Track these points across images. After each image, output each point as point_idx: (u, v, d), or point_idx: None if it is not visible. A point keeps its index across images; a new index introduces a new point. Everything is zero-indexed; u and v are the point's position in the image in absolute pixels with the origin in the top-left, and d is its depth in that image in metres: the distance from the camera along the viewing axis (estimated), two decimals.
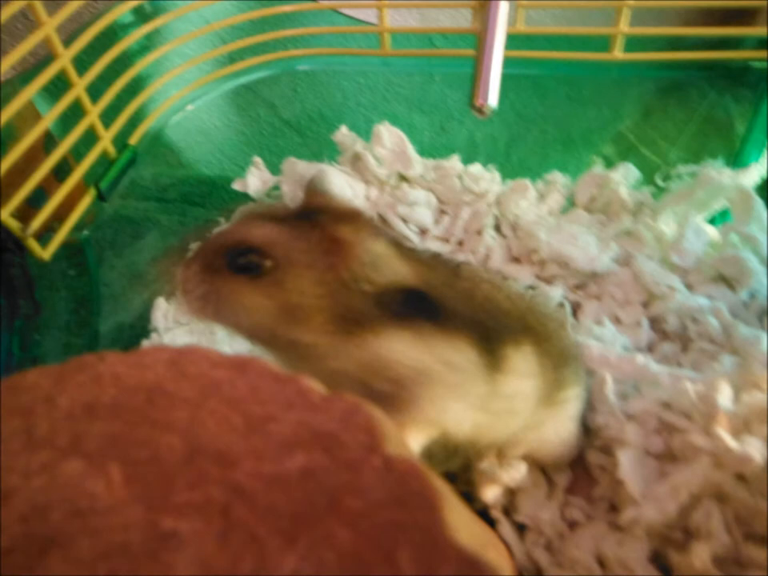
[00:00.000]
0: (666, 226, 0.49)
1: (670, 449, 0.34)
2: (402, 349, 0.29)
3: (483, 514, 0.35)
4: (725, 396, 0.34)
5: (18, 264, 0.42)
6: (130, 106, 0.50)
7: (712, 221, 0.50)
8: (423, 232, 0.51)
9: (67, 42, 0.43)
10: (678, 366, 0.41)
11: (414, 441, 0.30)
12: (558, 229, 0.48)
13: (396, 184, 0.51)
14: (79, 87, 0.43)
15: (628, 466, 0.33)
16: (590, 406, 0.37)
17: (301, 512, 0.17)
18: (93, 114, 0.45)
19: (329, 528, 0.16)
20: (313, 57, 0.56)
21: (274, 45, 0.55)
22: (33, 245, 0.41)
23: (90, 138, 0.46)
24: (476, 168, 0.52)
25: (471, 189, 0.49)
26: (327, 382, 0.22)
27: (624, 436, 0.34)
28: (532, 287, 0.47)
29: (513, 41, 0.45)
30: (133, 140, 0.50)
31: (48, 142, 0.44)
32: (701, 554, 0.30)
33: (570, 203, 0.54)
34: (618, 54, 0.51)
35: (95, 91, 0.46)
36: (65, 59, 0.42)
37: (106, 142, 0.47)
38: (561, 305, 0.46)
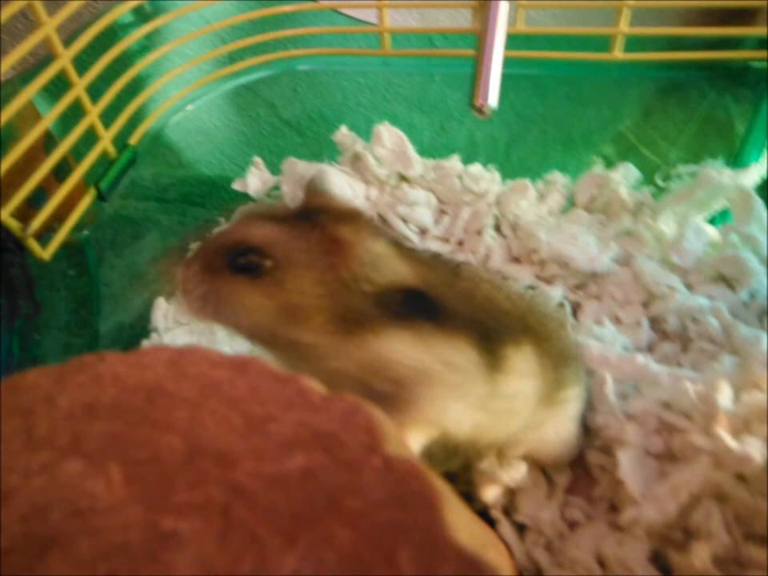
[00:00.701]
0: (666, 226, 0.49)
1: (670, 449, 0.34)
2: (401, 349, 0.29)
3: (483, 514, 0.35)
4: (725, 396, 0.34)
5: (18, 264, 0.42)
6: (130, 106, 0.50)
7: (712, 221, 0.50)
8: (423, 232, 0.51)
9: (67, 42, 0.43)
10: (678, 366, 0.41)
11: (414, 441, 0.30)
12: (557, 229, 0.48)
13: (396, 184, 0.51)
14: (79, 87, 0.43)
15: (628, 466, 0.33)
16: (590, 406, 0.37)
17: (301, 512, 0.17)
18: (93, 114, 0.45)
19: (329, 528, 0.16)
20: (313, 57, 0.56)
21: (273, 45, 0.55)
22: (33, 245, 0.41)
23: (90, 138, 0.46)
24: (476, 168, 0.52)
25: (471, 189, 0.49)
26: (327, 382, 0.22)
27: (624, 436, 0.34)
28: (532, 287, 0.47)
29: (513, 41, 0.44)
30: (133, 140, 0.50)
31: (48, 141, 0.44)
32: (701, 554, 0.30)
33: (570, 203, 0.54)
34: (618, 54, 0.51)
35: (95, 91, 0.46)
36: (65, 59, 0.42)
37: (106, 142, 0.47)
38: (561, 305, 0.46)
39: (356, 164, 0.52)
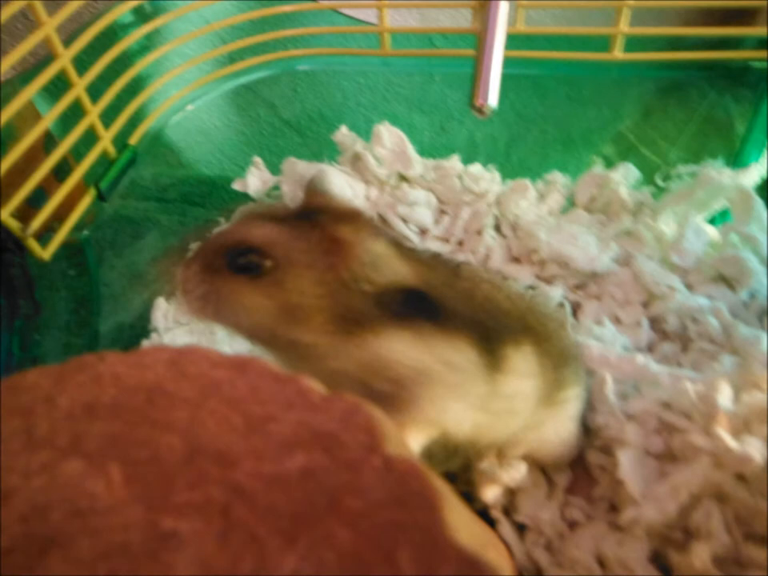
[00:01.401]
0: (666, 225, 0.49)
1: (670, 449, 0.34)
2: (401, 349, 0.29)
3: (483, 514, 0.35)
4: (725, 396, 0.34)
5: (18, 264, 0.42)
6: (129, 106, 0.50)
7: (712, 221, 0.50)
8: (423, 232, 0.51)
9: (67, 42, 0.43)
10: (678, 366, 0.41)
11: (414, 441, 0.30)
12: (557, 229, 0.48)
13: (396, 184, 0.51)
14: (79, 87, 0.43)
15: (628, 465, 0.33)
16: (590, 405, 0.37)
17: (301, 512, 0.17)
18: (93, 113, 0.45)
19: (329, 528, 0.16)
20: (313, 57, 0.56)
21: (274, 45, 0.55)
22: (33, 245, 0.41)
23: (90, 137, 0.46)
24: (476, 168, 0.52)
25: (471, 189, 0.49)
26: (327, 382, 0.22)
27: (624, 436, 0.34)
28: (532, 287, 0.47)
29: (513, 41, 0.44)
30: (133, 140, 0.50)
31: (48, 142, 0.44)
32: (701, 554, 0.30)
33: (570, 203, 0.54)
34: (618, 54, 0.51)
35: (95, 91, 0.46)
36: (65, 59, 0.42)
37: (105, 142, 0.47)
38: (561, 305, 0.46)
39: (356, 164, 0.52)
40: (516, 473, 0.35)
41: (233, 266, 0.28)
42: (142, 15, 0.51)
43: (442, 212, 0.52)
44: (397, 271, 0.30)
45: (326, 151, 0.55)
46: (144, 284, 0.48)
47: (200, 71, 0.55)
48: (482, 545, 0.19)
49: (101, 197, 0.47)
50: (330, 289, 0.28)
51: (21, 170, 0.39)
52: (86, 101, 0.44)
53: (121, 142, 0.49)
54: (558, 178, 0.53)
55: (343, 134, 0.53)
